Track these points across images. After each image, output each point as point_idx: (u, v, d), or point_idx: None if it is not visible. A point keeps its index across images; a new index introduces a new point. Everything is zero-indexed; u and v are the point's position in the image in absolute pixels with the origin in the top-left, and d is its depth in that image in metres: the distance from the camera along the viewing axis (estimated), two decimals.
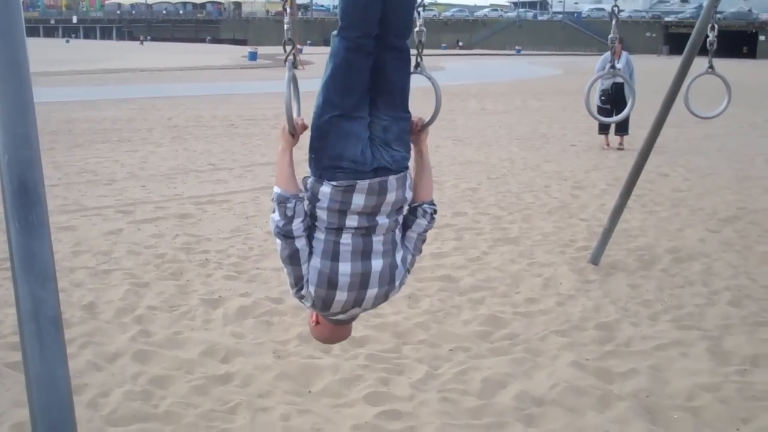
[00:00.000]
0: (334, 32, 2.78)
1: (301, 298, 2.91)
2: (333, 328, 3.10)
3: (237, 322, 5.73)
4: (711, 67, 5.65)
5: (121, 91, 26.19)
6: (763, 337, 5.52)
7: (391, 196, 2.84)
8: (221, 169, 11.97)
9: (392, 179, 2.83)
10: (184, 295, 6.28)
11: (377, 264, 2.87)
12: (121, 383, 4.72)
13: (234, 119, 18.50)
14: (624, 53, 14.43)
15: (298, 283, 2.85)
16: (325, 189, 2.77)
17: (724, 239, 8.15)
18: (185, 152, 13.49)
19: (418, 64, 3.03)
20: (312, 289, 2.84)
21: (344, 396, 4.63)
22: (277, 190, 2.80)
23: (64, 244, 7.51)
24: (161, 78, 34.55)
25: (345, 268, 2.83)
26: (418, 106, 2.97)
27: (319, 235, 2.82)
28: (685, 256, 7.49)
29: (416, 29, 3.05)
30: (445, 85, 30.15)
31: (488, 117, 20.10)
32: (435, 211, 3.08)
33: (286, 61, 2.78)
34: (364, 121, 2.82)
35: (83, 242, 7.69)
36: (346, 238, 2.82)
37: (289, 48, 2.77)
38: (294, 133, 2.84)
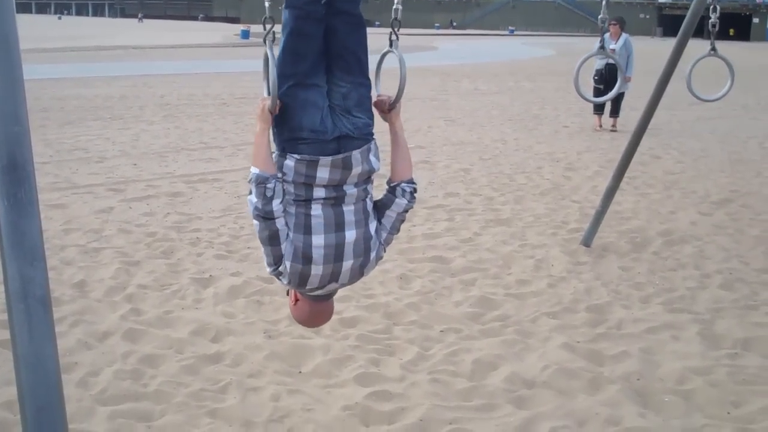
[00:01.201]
0: (283, 5, 2.78)
1: (278, 275, 2.89)
2: (313, 304, 3.06)
3: (228, 302, 5.71)
4: (713, 49, 5.66)
5: (113, 69, 26.03)
6: (754, 321, 5.53)
7: (356, 170, 2.84)
8: (213, 147, 11.91)
9: (356, 154, 2.82)
10: (175, 274, 6.25)
11: (350, 234, 2.86)
12: (112, 362, 4.71)
13: (226, 98, 18.42)
14: (624, 35, 14.39)
15: (277, 262, 2.84)
16: (289, 162, 2.77)
17: (716, 222, 8.15)
18: (177, 130, 13.42)
19: (392, 43, 3.00)
20: (288, 264, 2.82)
21: (335, 376, 4.63)
22: (255, 170, 2.78)
23: (54, 221, 7.47)
24: (153, 55, 34.35)
25: (318, 240, 2.81)
26: (394, 88, 2.94)
27: (290, 209, 2.81)
28: (677, 238, 7.49)
29: (393, 7, 3.03)
30: (439, 65, 30.36)
31: (481, 97, 20.04)
32: (414, 190, 3.05)
33: (265, 39, 2.76)
34: (321, 89, 2.81)
35: (74, 220, 7.65)
36: (315, 209, 2.81)
37: (269, 26, 2.75)
38: (273, 112, 2.82)
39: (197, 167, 10.35)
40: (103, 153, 11.10)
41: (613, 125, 14.50)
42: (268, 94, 2.78)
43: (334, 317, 5.23)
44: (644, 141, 7.31)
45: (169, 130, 13.45)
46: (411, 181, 3.05)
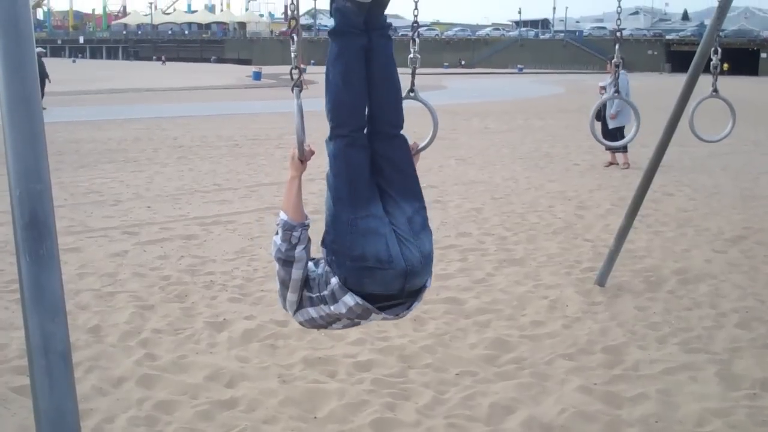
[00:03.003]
0: (327, 137, 2.82)
1: (285, 308, 3.03)
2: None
3: (242, 346, 5.71)
4: (715, 90, 5.68)
5: (126, 111, 26.26)
6: None
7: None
8: (226, 189, 11.98)
9: (413, 307, 2.95)
10: (189, 318, 6.26)
11: None
12: (126, 408, 4.70)
13: (238, 139, 18.54)
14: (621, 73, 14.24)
15: (291, 306, 2.92)
16: (349, 300, 2.81)
17: (730, 260, 8.12)
18: (190, 172, 13.51)
19: (412, 90, 3.05)
20: (301, 320, 2.99)
21: (350, 422, 4.60)
22: (284, 216, 2.83)
23: (69, 265, 7.50)
24: (167, 98, 34.63)
25: (337, 324, 3.00)
26: (412, 126, 2.98)
27: (312, 313, 2.92)
28: (692, 277, 7.46)
29: (410, 56, 3.07)
30: (448, 104, 30.41)
31: (491, 136, 20.11)
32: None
33: (293, 88, 2.79)
34: (378, 217, 2.82)
35: (89, 264, 7.68)
36: (338, 324, 2.98)
37: (296, 74, 2.78)
38: (303, 160, 2.86)
39: (211, 209, 10.40)
40: (117, 196, 11.18)
41: (625, 162, 14.49)
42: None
43: (348, 361, 5.24)
44: (656, 178, 7.31)
45: (183, 172, 13.54)
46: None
